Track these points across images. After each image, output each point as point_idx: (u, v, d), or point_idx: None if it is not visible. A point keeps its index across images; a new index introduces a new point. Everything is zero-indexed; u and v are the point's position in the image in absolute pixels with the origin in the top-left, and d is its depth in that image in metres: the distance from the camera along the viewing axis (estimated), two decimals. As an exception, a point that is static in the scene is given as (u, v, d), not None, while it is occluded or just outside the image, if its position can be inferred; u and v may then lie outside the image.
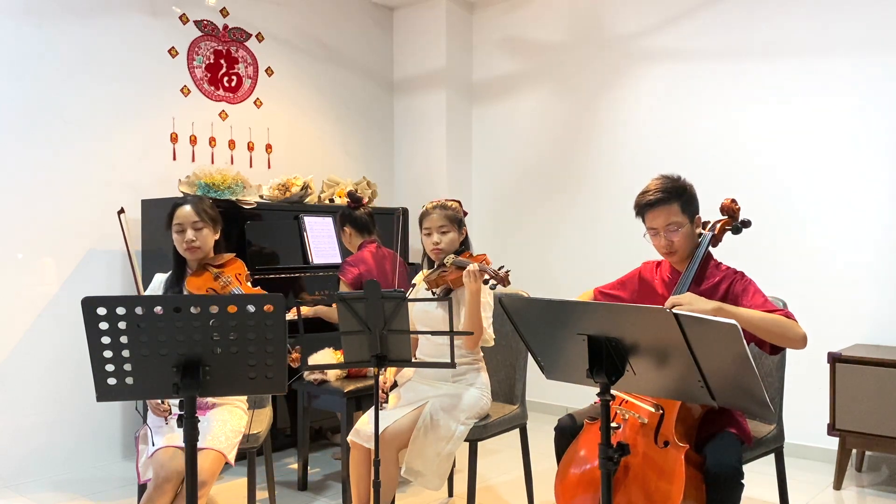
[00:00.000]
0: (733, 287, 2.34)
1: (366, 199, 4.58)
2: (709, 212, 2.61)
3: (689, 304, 2.15)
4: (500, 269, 2.57)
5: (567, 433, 2.38)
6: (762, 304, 2.27)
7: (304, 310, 3.72)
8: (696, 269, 2.36)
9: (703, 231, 2.45)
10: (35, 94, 3.70)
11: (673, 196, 2.35)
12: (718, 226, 2.45)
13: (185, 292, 2.72)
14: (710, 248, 2.43)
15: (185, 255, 2.75)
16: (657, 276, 2.53)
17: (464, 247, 2.86)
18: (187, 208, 2.73)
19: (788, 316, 2.21)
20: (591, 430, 2.28)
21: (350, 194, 3.86)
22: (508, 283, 2.50)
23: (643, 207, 2.39)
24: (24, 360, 3.67)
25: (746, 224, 2.47)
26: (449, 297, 2.59)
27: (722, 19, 4.18)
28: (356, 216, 3.79)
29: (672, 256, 2.41)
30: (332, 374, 3.40)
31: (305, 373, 3.36)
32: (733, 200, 2.48)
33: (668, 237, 2.35)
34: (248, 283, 2.83)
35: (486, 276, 2.52)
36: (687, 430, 2.21)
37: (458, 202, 2.92)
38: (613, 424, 2.17)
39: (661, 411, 2.18)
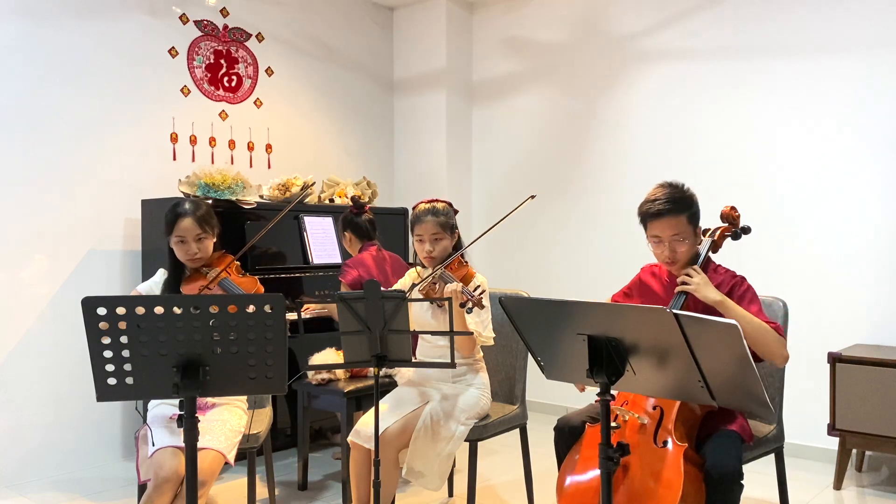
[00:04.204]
0: (733, 292, 2.34)
1: (366, 200, 4.57)
2: (709, 215, 2.61)
3: (698, 286, 2.24)
4: (475, 289, 2.55)
5: (566, 434, 2.38)
6: (756, 313, 2.29)
7: (316, 307, 3.74)
8: None
9: (702, 238, 2.45)
10: (34, 94, 3.70)
11: (682, 208, 2.31)
12: (718, 232, 2.45)
13: None
14: (710, 255, 2.43)
15: (187, 264, 2.74)
16: (656, 279, 2.53)
17: (456, 250, 2.84)
18: (189, 221, 2.66)
19: (779, 331, 2.25)
20: (592, 433, 2.28)
21: (353, 199, 3.82)
22: (482, 305, 2.52)
23: (649, 216, 2.34)
24: (24, 360, 3.67)
25: (746, 231, 2.47)
26: (449, 299, 2.59)
27: (722, 20, 4.17)
28: (356, 222, 3.76)
29: (672, 266, 2.41)
30: (340, 373, 3.40)
31: (311, 373, 3.36)
32: (733, 208, 2.48)
33: (672, 247, 2.34)
34: (239, 274, 2.82)
35: (464, 299, 2.51)
36: (687, 430, 2.21)
37: (449, 203, 2.88)
38: (613, 424, 2.16)
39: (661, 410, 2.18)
